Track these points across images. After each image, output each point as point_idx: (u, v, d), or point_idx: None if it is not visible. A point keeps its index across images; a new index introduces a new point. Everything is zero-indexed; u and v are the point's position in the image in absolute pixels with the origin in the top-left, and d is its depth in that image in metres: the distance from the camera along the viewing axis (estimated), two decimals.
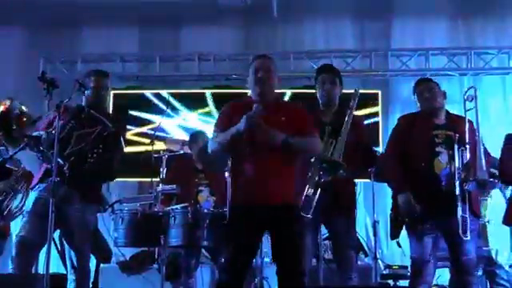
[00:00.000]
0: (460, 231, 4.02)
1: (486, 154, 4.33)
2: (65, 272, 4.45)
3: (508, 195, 5.22)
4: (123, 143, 4.39)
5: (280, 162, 3.71)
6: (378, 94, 8.09)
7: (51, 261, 3.74)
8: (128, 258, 5.74)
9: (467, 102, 4.26)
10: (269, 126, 3.64)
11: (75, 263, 4.12)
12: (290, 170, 3.79)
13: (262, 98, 3.81)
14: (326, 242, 5.71)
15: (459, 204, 4.04)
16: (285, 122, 3.76)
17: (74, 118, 4.17)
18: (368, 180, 5.79)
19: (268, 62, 3.89)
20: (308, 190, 4.04)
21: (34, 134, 4.05)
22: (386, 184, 6.12)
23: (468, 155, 4.11)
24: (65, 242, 4.29)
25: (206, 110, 8.20)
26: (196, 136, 6.10)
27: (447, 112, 4.46)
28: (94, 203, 4.33)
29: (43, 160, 4.11)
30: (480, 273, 5.46)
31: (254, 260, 5.39)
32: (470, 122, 4.23)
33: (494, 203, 5.71)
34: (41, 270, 4.15)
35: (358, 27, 8.26)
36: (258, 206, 3.66)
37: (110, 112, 4.54)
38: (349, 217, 4.43)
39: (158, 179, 6.09)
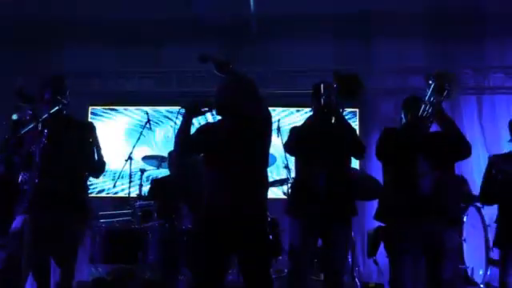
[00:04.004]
0: None
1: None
2: None
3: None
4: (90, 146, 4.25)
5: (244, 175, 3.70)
6: (356, 112, 8.17)
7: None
8: (105, 275, 5.68)
9: None
10: None
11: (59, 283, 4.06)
12: (254, 180, 3.78)
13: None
14: None
15: None
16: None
17: (49, 138, 4.03)
18: None
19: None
20: None
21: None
22: (362, 201, 6.18)
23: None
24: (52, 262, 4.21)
25: None
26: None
27: None
28: (83, 220, 4.26)
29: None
30: None
31: None
32: None
33: (469, 222, 5.75)
34: None
35: (336, 47, 8.31)
36: (222, 221, 3.62)
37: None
38: (348, 228, 4.44)
39: (135, 195, 6.09)
